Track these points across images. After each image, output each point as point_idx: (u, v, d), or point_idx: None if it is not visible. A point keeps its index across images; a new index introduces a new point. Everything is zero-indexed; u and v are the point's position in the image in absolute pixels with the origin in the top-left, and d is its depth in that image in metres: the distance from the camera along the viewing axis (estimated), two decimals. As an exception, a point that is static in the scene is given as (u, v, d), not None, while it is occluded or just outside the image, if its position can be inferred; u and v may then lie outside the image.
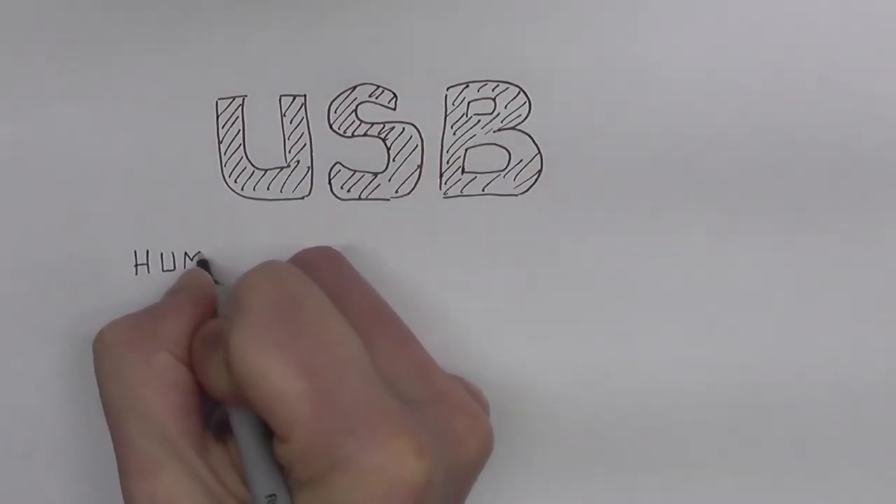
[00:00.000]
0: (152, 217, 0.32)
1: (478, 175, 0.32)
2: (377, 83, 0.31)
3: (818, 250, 0.34)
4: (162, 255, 0.33)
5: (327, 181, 0.32)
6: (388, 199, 0.32)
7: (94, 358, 0.30)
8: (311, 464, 0.26)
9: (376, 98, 0.31)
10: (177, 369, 0.29)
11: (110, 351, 0.29)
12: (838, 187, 0.33)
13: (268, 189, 0.32)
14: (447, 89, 0.31)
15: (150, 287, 0.33)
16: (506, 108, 0.31)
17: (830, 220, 0.33)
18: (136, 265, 0.33)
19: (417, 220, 0.33)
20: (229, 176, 0.32)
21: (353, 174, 0.32)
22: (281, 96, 0.31)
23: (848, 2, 0.31)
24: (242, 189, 0.32)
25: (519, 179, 0.32)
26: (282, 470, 0.28)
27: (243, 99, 0.31)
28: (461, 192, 0.33)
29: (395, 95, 0.31)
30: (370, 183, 0.32)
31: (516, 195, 0.33)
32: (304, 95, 0.31)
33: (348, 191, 0.32)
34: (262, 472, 0.28)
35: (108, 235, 0.32)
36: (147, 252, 0.32)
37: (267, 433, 0.28)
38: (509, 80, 0.31)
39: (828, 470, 0.37)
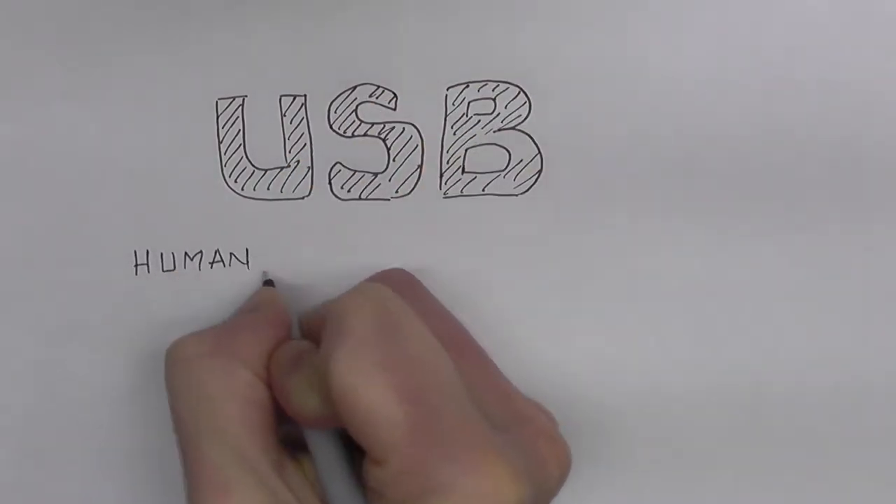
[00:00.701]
0: (152, 217, 0.32)
1: (478, 175, 0.32)
2: (377, 83, 0.31)
3: (818, 250, 0.34)
4: (162, 255, 0.33)
5: (327, 181, 0.32)
6: (388, 199, 0.32)
7: (168, 370, 0.30)
8: (406, 487, 0.26)
9: (376, 98, 0.31)
10: (256, 387, 0.29)
11: (188, 364, 0.29)
12: (838, 187, 0.33)
13: (268, 189, 0.32)
14: (447, 89, 0.31)
15: (150, 287, 0.33)
16: (506, 108, 0.31)
17: (830, 220, 0.33)
18: (136, 265, 0.33)
19: (417, 220, 0.33)
20: (229, 176, 0.32)
21: (354, 174, 0.32)
22: (281, 96, 0.31)
23: (848, 2, 0.31)
24: (242, 189, 0.32)
25: (519, 179, 0.32)
26: (367, 491, 0.28)
27: (243, 99, 0.31)
28: (461, 192, 0.33)
29: (395, 95, 0.31)
30: (370, 183, 0.32)
31: (516, 195, 0.33)
32: (305, 95, 0.31)
33: (348, 191, 0.32)
34: (345, 495, 0.28)
35: (108, 235, 0.32)
36: (147, 252, 0.32)
37: (347, 455, 0.28)
38: (509, 80, 0.31)
39: (828, 470, 0.37)
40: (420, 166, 0.32)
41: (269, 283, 0.33)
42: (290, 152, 0.32)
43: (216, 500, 0.27)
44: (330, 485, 0.28)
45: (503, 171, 0.32)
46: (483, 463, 0.26)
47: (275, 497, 0.27)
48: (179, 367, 0.29)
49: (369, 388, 0.26)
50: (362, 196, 0.32)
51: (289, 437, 0.30)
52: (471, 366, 0.30)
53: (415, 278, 0.33)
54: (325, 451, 0.29)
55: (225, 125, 0.31)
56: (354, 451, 0.30)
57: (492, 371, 0.31)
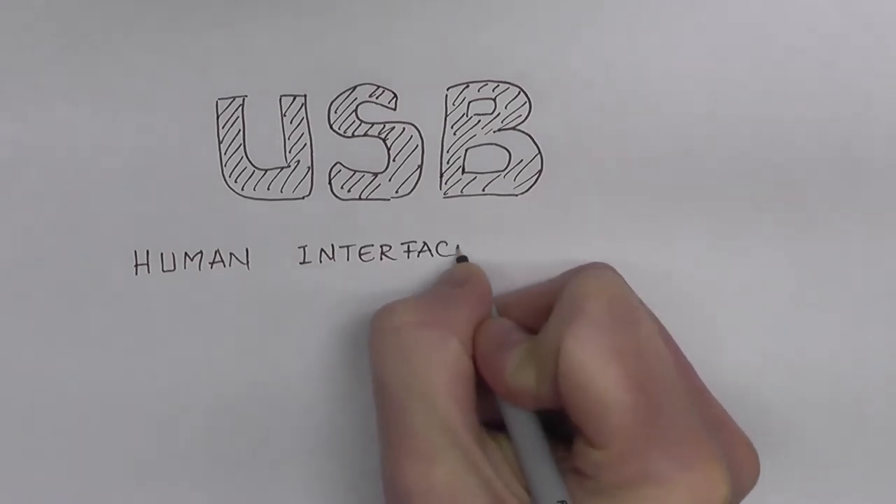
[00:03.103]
0: (152, 217, 0.32)
1: (478, 175, 0.32)
2: (377, 83, 0.31)
3: (818, 250, 0.34)
4: (162, 255, 0.33)
5: (327, 181, 0.32)
6: (388, 199, 0.32)
7: (377, 336, 0.30)
8: (621, 473, 0.27)
9: (376, 98, 0.31)
10: (464, 360, 0.29)
11: (399, 332, 0.29)
12: (838, 187, 0.33)
13: (268, 189, 0.32)
14: (447, 89, 0.31)
15: (150, 287, 0.33)
16: (506, 108, 0.31)
17: (830, 221, 0.33)
18: (136, 265, 0.33)
19: (417, 220, 0.33)
20: (229, 176, 0.32)
21: (354, 174, 0.32)
22: (281, 96, 0.31)
23: (848, 2, 0.31)
24: (242, 189, 0.32)
25: (519, 179, 0.32)
26: (571, 474, 0.28)
27: (243, 99, 0.31)
28: (461, 192, 0.33)
29: (395, 95, 0.31)
30: (370, 183, 0.32)
31: (516, 195, 0.33)
32: (305, 95, 0.31)
33: (348, 191, 0.32)
34: (549, 477, 0.28)
35: (108, 235, 0.32)
36: (147, 252, 0.32)
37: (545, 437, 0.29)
38: (509, 80, 0.31)
39: (828, 470, 0.37)
40: (420, 166, 0.32)
41: (462, 258, 0.33)
42: (290, 152, 0.32)
43: (420, 468, 0.27)
44: (530, 464, 0.28)
45: (503, 171, 0.32)
46: (700, 459, 0.26)
47: (477, 471, 0.28)
48: (390, 334, 0.29)
49: (603, 371, 0.27)
50: (362, 196, 0.32)
51: (482, 416, 0.30)
52: (680, 365, 0.30)
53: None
54: (525, 431, 0.29)
55: (225, 125, 0.31)
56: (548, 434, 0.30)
57: (692, 374, 0.31)
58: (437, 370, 0.29)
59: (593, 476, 0.27)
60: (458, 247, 0.33)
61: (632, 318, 0.28)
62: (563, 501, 0.27)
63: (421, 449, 0.28)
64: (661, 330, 0.32)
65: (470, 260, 0.33)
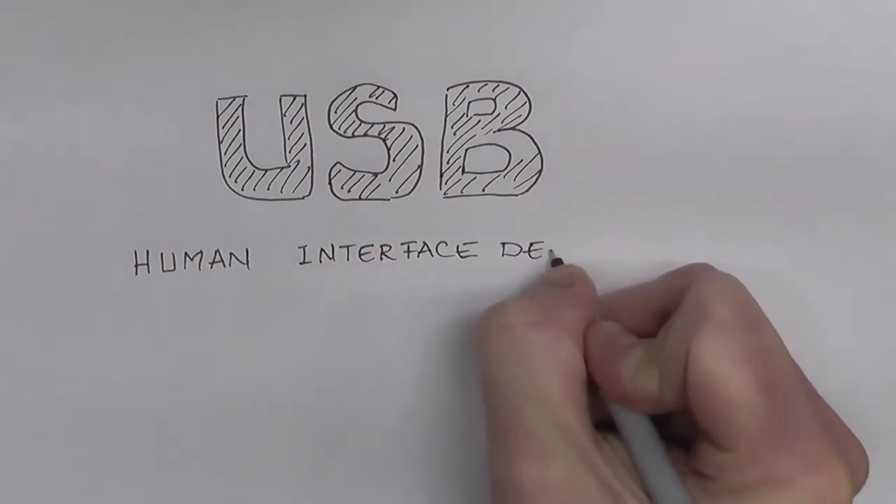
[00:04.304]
0: (152, 217, 0.32)
1: (478, 175, 0.32)
2: (377, 83, 0.31)
3: (818, 250, 0.34)
4: (162, 255, 0.33)
5: (327, 181, 0.32)
6: (388, 199, 0.32)
7: (489, 335, 0.30)
8: (747, 475, 0.27)
9: (376, 98, 0.31)
10: (577, 360, 0.29)
11: (513, 331, 0.29)
12: (838, 187, 0.33)
13: (268, 189, 0.32)
14: (447, 89, 0.31)
15: (150, 287, 0.33)
16: (506, 108, 0.31)
17: (830, 221, 0.33)
18: (136, 265, 0.33)
19: (417, 220, 0.33)
20: (229, 176, 0.32)
21: (354, 174, 0.32)
22: (281, 96, 0.31)
23: (848, 2, 0.31)
24: (242, 189, 0.32)
25: (519, 179, 0.32)
26: (691, 476, 0.28)
27: (243, 99, 0.31)
28: (461, 192, 0.33)
29: (395, 95, 0.31)
30: (370, 183, 0.32)
31: (516, 195, 0.33)
32: (305, 95, 0.31)
33: (348, 191, 0.32)
34: (670, 479, 0.28)
35: (108, 235, 0.32)
36: (147, 252, 0.32)
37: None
38: (509, 80, 0.31)
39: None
40: (420, 166, 0.32)
41: (557, 261, 0.33)
42: (290, 152, 0.32)
43: (535, 467, 0.28)
44: (648, 466, 0.29)
45: (503, 171, 0.32)
46: (824, 461, 0.27)
47: (594, 472, 0.28)
48: (504, 333, 0.29)
49: (734, 374, 0.27)
50: (362, 196, 0.32)
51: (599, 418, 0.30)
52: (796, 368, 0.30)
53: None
54: (641, 433, 0.29)
55: (225, 125, 0.31)
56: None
57: (803, 375, 0.31)
58: (552, 371, 0.29)
59: (716, 478, 0.27)
60: (551, 250, 0.33)
61: (758, 321, 0.28)
62: None
63: (536, 448, 0.28)
64: None
65: (468, 260, 0.33)
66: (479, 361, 0.30)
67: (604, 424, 0.30)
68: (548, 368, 0.29)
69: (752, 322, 0.28)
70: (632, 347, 0.30)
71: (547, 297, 0.31)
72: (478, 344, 0.30)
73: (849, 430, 0.31)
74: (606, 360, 0.30)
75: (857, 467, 0.29)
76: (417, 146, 0.32)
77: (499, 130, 0.32)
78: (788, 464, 0.27)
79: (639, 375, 0.29)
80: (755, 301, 0.29)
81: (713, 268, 0.32)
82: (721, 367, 0.27)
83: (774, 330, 0.29)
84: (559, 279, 0.32)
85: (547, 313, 0.30)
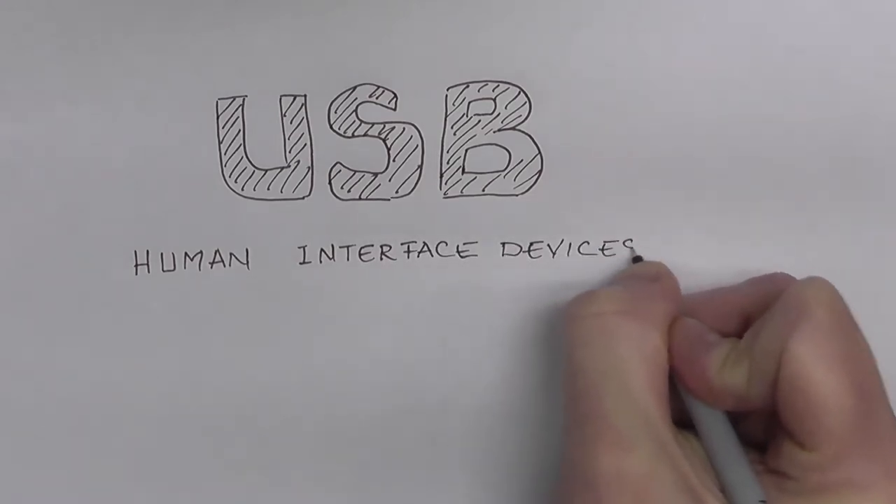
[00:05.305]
0: (152, 217, 0.32)
1: (478, 175, 0.32)
2: (377, 83, 0.31)
3: (818, 250, 0.34)
4: (162, 255, 0.33)
5: (327, 181, 0.32)
6: (389, 199, 0.32)
7: (576, 322, 0.30)
8: (828, 476, 0.27)
9: (376, 98, 0.31)
10: (663, 353, 0.30)
11: (603, 319, 0.30)
12: (838, 187, 0.33)
13: (268, 189, 0.32)
14: (447, 89, 0.31)
15: (150, 287, 0.33)
16: (506, 108, 0.31)
17: (831, 221, 0.33)
18: (136, 265, 0.33)
19: (417, 220, 0.33)
20: (229, 176, 0.32)
21: (354, 174, 0.32)
22: (281, 96, 0.31)
23: (848, 2, 0.31)
24: (242, 189, 0.32)
25: (519, 179, 0.32)
26: (768, 474, 0.29)
27: (243, 99, 0.31)
28: (461, 192, 0.33)
29: (395, 95, 0.31)
30: (370, 183, 0.32)
31: (516, 195, 0.33)
32: (305, 95, 0.31)
33: (348, 191, 0.32)
34: (746, 476, 0.28)
35: (108, 235, 0.32)
36: (147, 252, 0.32)
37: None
38: (509, 80, 0.31)
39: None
40: (420, 166, 0.32)
41: (638, 258, 0.33)
42: (290, 152, 0.32)
43: (615, 455, 0.28)
44: (725, 464, 0.29)
45: (503, 171, 0.32)
46: None
47: (674, 466, 0.28)
48: (592, 321, 0.30)
49: (829, 376, 0.27)
50: (362, 196, 0.32)
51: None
52: None
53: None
54: (720, 430, 0.29)
55: (225, 125, 0.31)
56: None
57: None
58: (639, 362, 0.29)
59: (795, 477, 0.28)
60: (632, 248, 0.33)
61: (852, 326, 0.29)
62: (763, 502, 0.28)
63: (617, 437, 0.28)
64: None
65: (468, 260, 0.33)
66: (564, 347, 0.30)
67: (679, 423, 0.30)
68: (634, 360, 0.29)
69: (847, 327, 0.28)
70: (718, 344, 0.30)
71: (635, 289, 0.31)
72: (566, 330, 0.30)
73: None
74: (693, 354, 0.30)
75: None
76: (417, 146, 0.32)
77: (499, 130, 0.32)
78: (869, 469, 0.27)
79: (726, 371, 0.29)
80: (849, 307, 0.29)
81: (794, 278, 0.32)
82: (818, 368, 0.27)
83: (863, 335, 0.29)
84: (646, 273, 0.32)
85: (635, 304, 0.30)
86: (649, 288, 0.31)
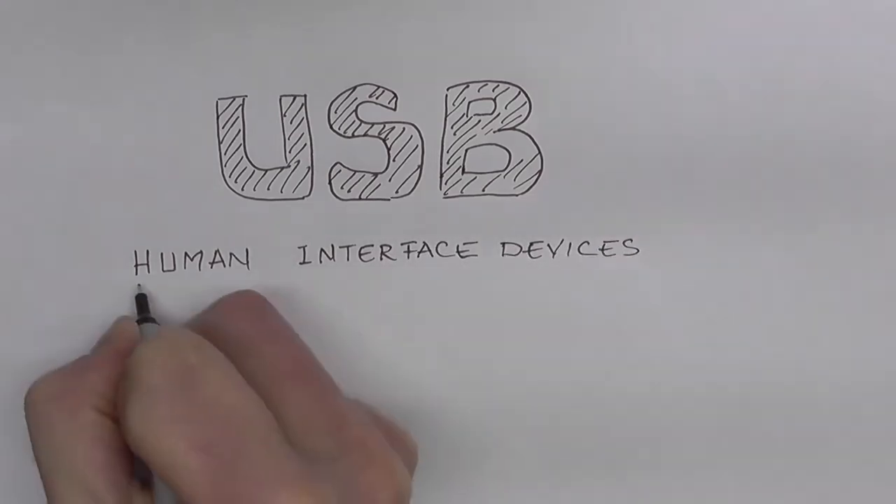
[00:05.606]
0: (152, 217, 0.32)
1: (478, 175, 0.32)
2: (377, 83, 0.31)
3: (818, 251, 0.34)
4: (162, 255, 0.33)
5: (327, 181, 0.32)
6: (389, 199, 0.32)
7: (25, 413, 0.31)
8: None
9: (376, 98, 0.31)
10: (102, 424, 0.30)
11: (38, 407, 0.30)
12: (839, 188, 0.33)
13: (268, 189, 0.32)
14: (447, 89, 0.31)
15: (150, 287, 0.33)
16: (506, 108, 0.31)
17: (830, 221, 0.33)
18: (136, 265, 0.33)
19: (417, 220, 0.33)
20: (229, 176, 0.32)
21: (354, 174, 0.32)
22: (281, 96, 0.31)
23: (848, 2, 0.31)
24: (242, 189, 0.32)
25: (519, 179, 0.32)
26: None
27: (243, 99, 0.31)
28: (461, 192, 0.33)
29: (395, 95, 0.31)
30: (370, 183, 0.32)
31: (516, 195, 0.33)
32: (305, 95, 0.31)
33: (348, 191, 0.32)
34: None
35: (108, 235, 0.32)
36: (147, 252, 0.32)
37: None
38: (509, 80, 0.31)
39: (828, 470, 0.37)
40: (420, 166, 0.32)
41: (141, 297, 0.33)
42: (290, 152, 0.32)
43: None
44: None
45: (503, 171, 0.32)
46: (287, 498, 0.27)
47: None
48: (30, 410, 0.30)
49: (162, 441, 0.27)
50: (362, 196, 0.32)
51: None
52: (302, 395, 0.30)
53: (262, 301, 0.33)
54: (162, 485, 0.29)
55: (225, 125, 0.31)
56: None
57: (328, 397, 0.31)
58: (73, 441, 0.29)
59: None
60: (139, 285, 0.33)
61: (191, 379, 0.28)
62: None
63: None
64: (293, 358, 0.31)
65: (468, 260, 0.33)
66: None
67: None
68: (69, 440, 0.29)
69: (183, 381, 0.28)
70: None
71: (77, 363, 0.31)
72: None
73: (377, 449, 0.30)
74: (116, 412, 0.30)
75: (372, 489, 0.29)
76: (417, 146, 0.32)
77: (499, 130, 0.32)
78: None
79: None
80: (198, 354, 0.29)
81: (248, 296, 0.32)
82: (148, 437, 0.27)
83: (224, 379, 0.28)
84: (101, 338, 0.33)
85: (65, 384, 0.30)
86: (90, 359, 0.31)
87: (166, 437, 0.27)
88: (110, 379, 0.30)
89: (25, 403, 0.31)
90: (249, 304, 0.33)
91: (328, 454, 0.29)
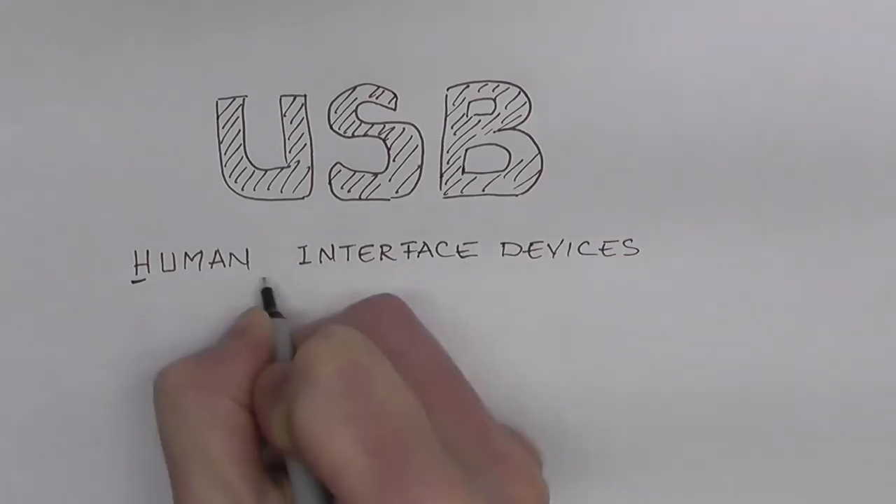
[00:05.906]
0: (152, 217, 0.32)
1: (478, 175, 0.32)
2: (377, 83, 0.31)
3: (818, 251, 0.34)
4: (162, 255, 0.33)
5: (327, 181, 0.32)
6: (389, 199, 0.32)
7: (156, 397, 0.30)
8: None
9: (376, 98, 0.31)
10: (238, 415, 0.30)
11: (173, 393, 0.30)
12: (839, 188, 0.33)
13: (268, 189, 0.32)
14: (447, 89, 0.31)
15: (150, 287, 0.33)
16: (506, 108, 0.31)
17: (830, 221, 0.33)
18: (136, 265, 0.33)
19: (417, 220, 0.33)
20: (229, 176, 0.32)
21: (354, 174, 0.32)
22: (281, 96, 0.31)
23: (848, 2, 0.31)
24: (242, 189, 0.32)
25: (519, 179, 0.32)
26: None
27: (243, 99, 0.31)
28: (461, 192, 0.33)
29: (395, 95, 0.31)
30: (370, 183, 0.32)
31: (516, 195, 0.33)
32: (305, 95, 0.31)
33: (348, 191, 0.32)
34: None
35: (108, 235, 0.32)
36: (147, 252, 0.32)
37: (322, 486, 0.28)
38: (509, 80, 0.31)
39: (828, 470, 0.37)
40: (420, 166, 0.32)
41: (267, 291, 0.33)
42: (290, 152, 0.32)
43: None
44: None
45: (503, 171, 0.32)
46: (448, 496, 0.26)
47: None
48: (164, 396, 0.30)
49: (333, 441, 0.26)
50: (362, 196, 0.32)
51: (275, 461, 0.30)
52: (449, 405, 0.30)
53: (404, 305, 0.33)
54: (301, 480, 0.29)
55: (225, 125, 0.31)
56: None
57: (472, 406, 0.31)
58: (210, 430, 0.29)
59: None
60: (263, 279, 0.33)
61: (362, 379, 0.28)
62: None
63: (196, 503, 0.28)
64: (437, 363, 0.31)
65: (468, 260, 0.33)
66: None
67: None
68: (205, 429, 0.29)
69: (355, 381, 0.27)
70: (284, 398, 0.29)
71: (213, 352, 0.31)
72: (154, 405, 0.31)
73: (521, 462, 0.30)
74: (261, 408, 0.30)
75: (524, 499, 0.29)
76: (417, 146, 0.32)
77: (499, 130, 0.32)
78: None
79: (279, 426, 0.29)
80: (368, 354, 0.28)
81: (389, 300, 0.32)
82: (319, 434, 0.27)
83: (391, 381, 0.28)
84: (235, 327, 0.32)
85: (204, 373, 0.30)
86: (227, 348, 0.31)
87: (337, 436, 0.26)
88: (247, 370, 0.30)
89: (156, 389, 0.30)
90: (397, 309, 0.33)
91: (474, 464, 0.29)
